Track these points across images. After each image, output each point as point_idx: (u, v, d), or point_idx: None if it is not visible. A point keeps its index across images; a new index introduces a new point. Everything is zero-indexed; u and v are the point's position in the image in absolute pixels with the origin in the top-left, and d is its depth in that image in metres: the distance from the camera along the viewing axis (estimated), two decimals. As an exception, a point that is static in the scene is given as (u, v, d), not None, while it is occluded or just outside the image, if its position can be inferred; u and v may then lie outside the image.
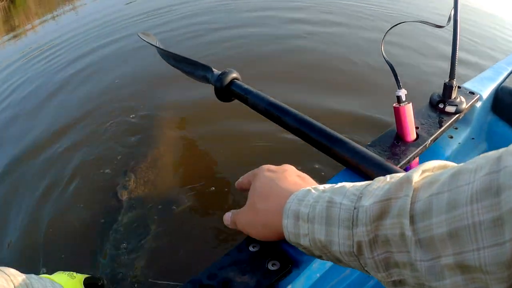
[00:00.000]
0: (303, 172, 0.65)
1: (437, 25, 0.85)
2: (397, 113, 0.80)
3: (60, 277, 0.92)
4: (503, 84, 1.06)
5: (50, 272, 0.98)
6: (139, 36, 1.53)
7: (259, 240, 0.66)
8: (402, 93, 0.79)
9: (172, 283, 1.14)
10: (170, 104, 1.95)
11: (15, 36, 4.00)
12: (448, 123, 0.88)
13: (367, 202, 0.42)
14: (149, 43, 1.44)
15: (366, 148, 0.76)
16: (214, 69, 1.06)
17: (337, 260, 0.48)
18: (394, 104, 0.80)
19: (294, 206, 0.52)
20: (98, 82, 2.32)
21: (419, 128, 0.84)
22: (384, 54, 0.80)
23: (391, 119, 0.85)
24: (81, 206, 1.42)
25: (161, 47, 1.37)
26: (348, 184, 0.49)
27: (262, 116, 0.89)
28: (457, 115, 0.91)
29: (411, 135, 0.81)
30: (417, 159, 0.82)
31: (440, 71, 2.05)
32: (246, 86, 0.95)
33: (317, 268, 0.68)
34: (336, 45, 2.49)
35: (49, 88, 2.33)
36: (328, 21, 2.82)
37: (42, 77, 2.53)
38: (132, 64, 2.49)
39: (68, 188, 1.52)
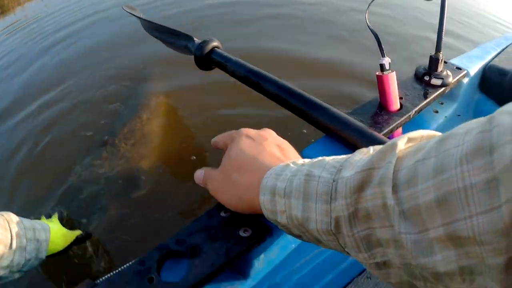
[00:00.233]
0: (288, 140, 0.61)
1: None
2: (380, 81, 0.77)
3: (53, 221, 1.05)
4: (491, 62, 1.04)
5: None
6: (123, 9, 1.49)
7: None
8: (386, 61, 0.77)
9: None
10: (156, 76, 1.95)
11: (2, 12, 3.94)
12: (433, 96, 0.86)
13: (347, 173, 0.38)
14: (132, 14, 1.40)
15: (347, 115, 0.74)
16: (195, 39, 1.02)
17: (316, 241, 0.44)
18: (377, 73, 0.78)
19: (271, 182, 0.48)
20: (80, 50, 2.34)
21: (403, 99, 0.82)
22: (368, 22, 0.78)
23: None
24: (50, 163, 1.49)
25: (144, 18, 1.34)
26: (328, 157, 0.45)
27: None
28: (443, 89, 0.88)
29: (395, 104, 0.78)
30: (400, 129, 0.79)
31: (427, 45, 2.04)
32: (225, 54, 0.92)
33: (293, 238, 0.65)
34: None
35: (31, 56, 2.34)
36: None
37: (25, 47, 2.54)
38: (116, 34, 2.51)
39: (39, 145, 1.59)
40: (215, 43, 0.96)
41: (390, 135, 0.76)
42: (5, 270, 0.81)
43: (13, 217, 0.85)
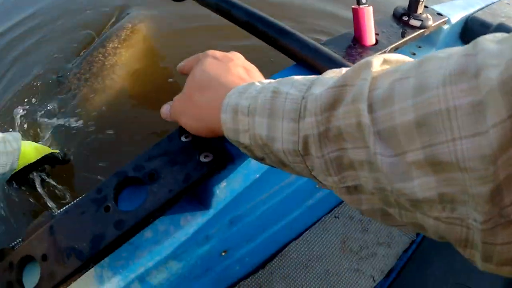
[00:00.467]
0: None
1: None
2: (356, 14, 0.74)
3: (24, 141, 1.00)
4: (474, 14, 1.02)
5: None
6: None
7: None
8: None
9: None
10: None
11: None
12: (411, 36, 0.83)
13: (317, 90, 0.36)
14: None
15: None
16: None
17: (280, 163, 0.42)
18: (353, 6, 0.74)
19: (234, 100, 0.45)
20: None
21: (379, 35, 0.79)
22: None
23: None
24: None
25: None
26: (297, 76, 0.42)
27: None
28: (421, 31, 0.86)
29: (370, 39, 0.75)
30: (373, 65, 0.77)
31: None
32: None
33: (256, 167, 0.63)
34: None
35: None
36: None
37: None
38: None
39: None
40: (185, -30, 0.90)
41: (363, 70, 0.74)
42: None
43: None
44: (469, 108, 0.24)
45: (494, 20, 0.98)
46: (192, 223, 0.61)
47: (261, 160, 0.46)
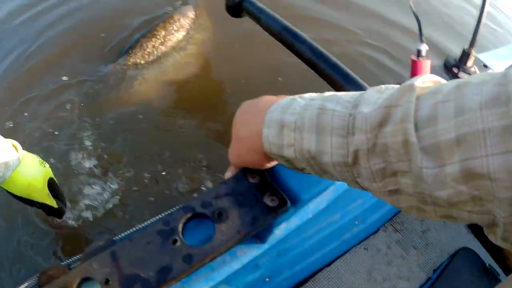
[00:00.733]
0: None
1: None
2: (414, 66, 0.77)
3: (32, 156, 0.88)
4: None
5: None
6: None
7: (259, 172, 0.62)
8: (424, 48, 0.77)
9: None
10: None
11: None
12: None
13: (365, 109, 0.39)
14: None
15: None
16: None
17: (323, 172, 0.45)
18: (413, 56, 0.77)
19: (278, 115, 0.47)
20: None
21: (432, 84, 0.82)
22: (412, 4, 0.76)
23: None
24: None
25: None
26: (339, 93, 0.45)
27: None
28: (468, 84, 0.89)
29: (425, 90, 0.78)
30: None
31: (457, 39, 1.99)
32: (259, 4, 0.88)
33: (312, 208, 0.67)
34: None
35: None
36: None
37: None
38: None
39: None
40: (246, -11, 0.91)
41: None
42: None
43: None
44: (500, 130, 0.29)
45: None
46: (248, 254, 0.64)
47: (300, 170, 0.49)
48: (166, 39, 1.49)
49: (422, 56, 0.76)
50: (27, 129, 1.34)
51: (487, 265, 0.97)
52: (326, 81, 0.75)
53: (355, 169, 0.40)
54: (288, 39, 0.79)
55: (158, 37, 1.49)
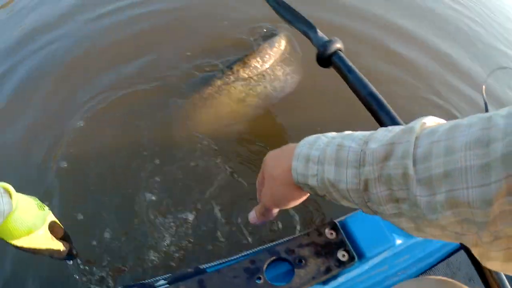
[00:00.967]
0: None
1: None
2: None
3: (29, 200, 0.80)
4: None
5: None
6: None
7: (338, 227, 0.75)
8: None
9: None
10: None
11: None
12: None
13: (373, 145, 0.48)
14: None
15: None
16: (318, 31, 1.06)
17: (341, 198, 0.54)
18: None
19: (305, 150, 0.56)
20: None
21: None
22: (484, 94, 0.81)
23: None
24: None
25: None
26: (356, 132, 0.55)
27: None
28: None
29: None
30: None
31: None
32: (349, 63, 0.95)
33: (371, 264, 0.78)
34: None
35: None
36: None
37: None
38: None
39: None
40: (338, 45, 0.99)
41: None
42: None
43: None
44: (480, 168, 0.36)
45: None
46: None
47: (321, 196, 0.58)
48: (252, 69, 1.57)
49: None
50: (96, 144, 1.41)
51: None
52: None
53: (366, 195, 0.49)
54: (373, 106, 0.86)
55: (245, 66, 1.57)
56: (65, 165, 1.36)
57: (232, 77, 1.53)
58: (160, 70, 1.68)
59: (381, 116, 0.85)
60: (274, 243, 0.78)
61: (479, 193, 0.37)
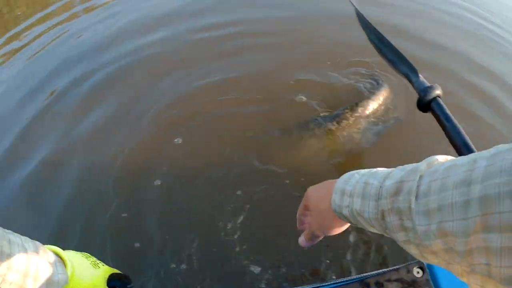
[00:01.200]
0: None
1: None
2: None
3: (82, 262, 0.76)
4: None
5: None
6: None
7: (425, 267, 0.84)
8: None
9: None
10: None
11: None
12: None
13: (388, 182, 0.59)
14: (353, 5, 1.47)
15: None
16: (420, 75, 1.13)
17: (368, 225, 0.65)
18: None
19: (342, 185, 0.69)
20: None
21: None
22: None
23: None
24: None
25: (365, 17, 1.40)
26: (380, 170, 0.66)
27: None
28: None
29: None
30: None
31: None
32: (447, 111, 1.02)
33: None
34: None
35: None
36: None
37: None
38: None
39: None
40: (438, 91, 1.05)
41: None
42: None
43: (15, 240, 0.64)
44: (462, 204, 0.44)
45: None
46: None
47: (354, 224, 0.70)
48: (357, 114, 1.66)
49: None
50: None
51: None
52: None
53: (384, 223, 0.59)
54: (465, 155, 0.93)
55: (352, 111, 1.67)
56: (159, 183, 1.49)
57: (339, 120, 1.63)
58: (264, 97, 1.80)
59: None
60: (365, 274, 0.88)
61: (460, 225, 0.44)
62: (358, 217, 0.66)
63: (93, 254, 0.83)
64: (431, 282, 0.83)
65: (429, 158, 0.57)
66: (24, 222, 1.42)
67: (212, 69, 2.01)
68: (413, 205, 0.52)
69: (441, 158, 0.57)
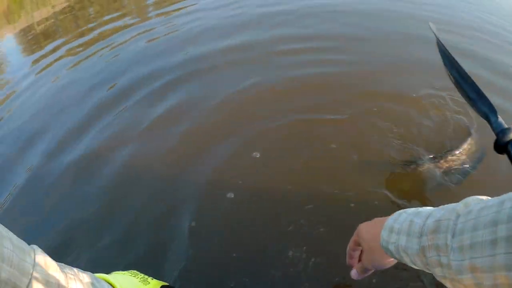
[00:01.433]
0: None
1: None
2: None
3: (129, 280, 0.79)
4: None
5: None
6: (430, 25, 1.54)
7: None
8: None
9: None
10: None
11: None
12: None
13: (429, 220, 0.64)
14: (436, 36, 1.46)
15: None
16: (498, 115, 1.11)
17: (410, 262, 0.70)
18: None
19: (391, 223, 0.75)
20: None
21: None
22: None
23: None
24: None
25: (445, 48, 1.39)
26: (424, 209, 0.71)
27: None
28: None
29: None
30: None
31: None
32: None
33: None
34: None
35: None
36: None
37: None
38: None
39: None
40: (515, 134, 1.04)
41: None
42: None
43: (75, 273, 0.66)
44: (490, 242, 0.49)
45: None
46: None
47: (398, 259, 0.75)
48: (447, 161, 1.65)
49: None
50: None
51: None
52: None
53: (424, 259, 0.64)
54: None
55: (444, 157, 1.65)
56: (232, 196, 1.51)
57: (440, 159, 1.64)
58: (349, 119, 1.80)
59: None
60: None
61: (487, 261, 0.49)
62: (402, 253, 0.71)
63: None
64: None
65: (466, 198, 0.62)
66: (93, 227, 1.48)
67: (297, 86, 2.06)
68: (449, 242, 0.58)
69: (477, 198, 0.62)
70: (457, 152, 1.66)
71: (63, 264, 0.65)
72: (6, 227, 0.59)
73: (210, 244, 1.34)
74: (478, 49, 2.46)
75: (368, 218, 0.88)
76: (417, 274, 1.18)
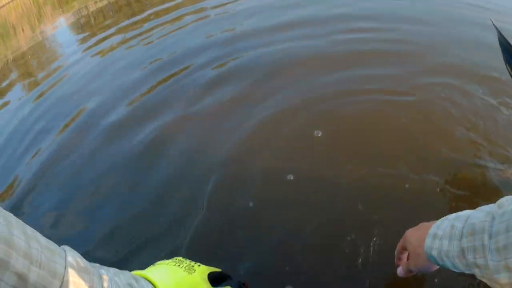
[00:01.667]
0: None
1: None
2: None
3: (172, 271, 0.74)
4: None
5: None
6: (492, 21, 1.43)
7: None
8: None
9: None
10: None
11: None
12: None
13: (468, 223, 0.66)
14: (498, 31, 1.34)
15: None
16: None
17: (452, 266, 0.72)
18: None
19: (434, 230, 0.76)
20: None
21: None
22: None
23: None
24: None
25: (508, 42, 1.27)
26: (463, 212, 0.72)
27: None
28: None
29: None
30: None
31: None
32: None
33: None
34: None
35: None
36: None
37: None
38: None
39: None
40: None
41: None
42: None
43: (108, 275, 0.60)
44: None
45: None
46: None
47: (439, 265, 0.78)
48: None
49: None
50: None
51: None
52: None
53: (464, 260, 0.66)
54: None
55: None
56: (291, 178, 1.43)
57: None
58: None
59: None
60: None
61: None
62: (444, 258, 0.72)
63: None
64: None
65: (500, 200, 0.63)
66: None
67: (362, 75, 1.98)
68: (486, 243, 0.60)
69: (511, 198, 0.62)
70: None
71: (98, 264, 0.61)
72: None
73: (269, 226, 1.29)
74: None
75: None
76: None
